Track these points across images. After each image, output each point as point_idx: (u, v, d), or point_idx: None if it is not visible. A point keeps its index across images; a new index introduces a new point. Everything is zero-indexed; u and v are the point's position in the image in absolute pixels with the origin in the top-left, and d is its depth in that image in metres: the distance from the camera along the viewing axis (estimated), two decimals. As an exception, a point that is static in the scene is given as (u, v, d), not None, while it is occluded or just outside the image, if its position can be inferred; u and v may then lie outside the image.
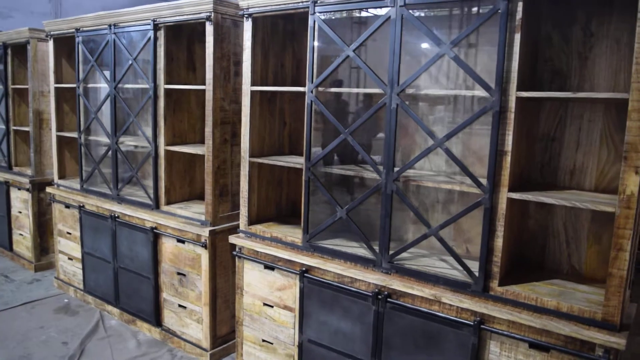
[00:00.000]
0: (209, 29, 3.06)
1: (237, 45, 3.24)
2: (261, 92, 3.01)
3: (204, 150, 3.23)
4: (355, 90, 2.67)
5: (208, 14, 3.03)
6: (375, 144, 2.95)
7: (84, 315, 3.96)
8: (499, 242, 2.22)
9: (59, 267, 4.43)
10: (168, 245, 3.46)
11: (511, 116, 2.13)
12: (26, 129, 4.89)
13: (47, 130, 4.73)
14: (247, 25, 2.90)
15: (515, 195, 2.17)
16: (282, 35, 3.14)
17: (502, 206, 2.19)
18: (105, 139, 3.94)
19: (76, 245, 4.18)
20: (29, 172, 4.79)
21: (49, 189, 4.36)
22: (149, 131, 3.52)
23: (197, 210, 3.41)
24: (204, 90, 3.56)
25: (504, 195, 2.18)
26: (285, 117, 3.24)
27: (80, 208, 4.03)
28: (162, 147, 3.44)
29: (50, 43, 4.20)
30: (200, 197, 3.75)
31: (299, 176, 3.31)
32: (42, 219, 4.81)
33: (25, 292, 4.37)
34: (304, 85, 3.19)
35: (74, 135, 4.26)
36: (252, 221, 3.08)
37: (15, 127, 4.92)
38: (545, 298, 2.13)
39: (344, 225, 2.68)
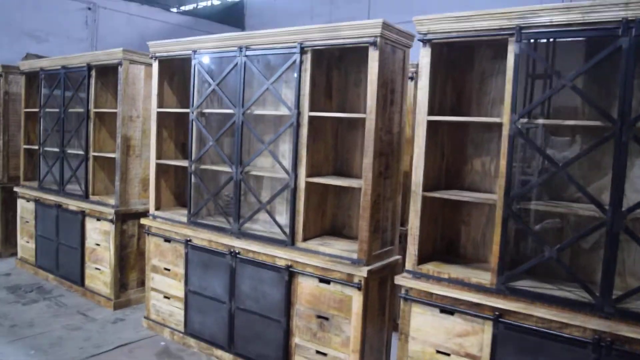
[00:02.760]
0: (374, 54, 2.94)
1: (393, 72, 3.12)
2: (429, 122, 2.87)
3: (360, 183, 3.07)
4: (570, 122, 2.54)
5: (374, 39, 2.92)
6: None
7: (190, 361, 3.68)
8: None
9: (150, 306, 4.15)
10: (306, 286, 3.24)
11: None
12: (106, 155, 4.68)
13: (133, 157, 4.52)
14: (425, 52, 2.79)
15: None
16: (444, 64, 3.02)
17: None
18: (219, 168, 3.76)
19: (176, 282, 3.93)
20: (110, 201, 4.54)
21: (144, 221, 4.12)
22: (283, 161, 3.34)
23: (340, 247, 3.22)
24: (339, 119, 3.45)
25: None
26: (444, 148, 3.10)
27: (187, 242, 3.79)
28: (302, 179, 3.26)
29: (155, 65, 4.04)
30: (330, 232, 3.57)
31: (456, 212, 3.17)
32: (123, 252, 4.54)
33: (112, 332, 4.07)
34: (465, 115, 3.08)
35: (173, 162, 4.06)
36: (419, 261, 2.90)
37: (94, 153, 4.69)
38: None
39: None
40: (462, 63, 3.09)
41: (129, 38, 9.50)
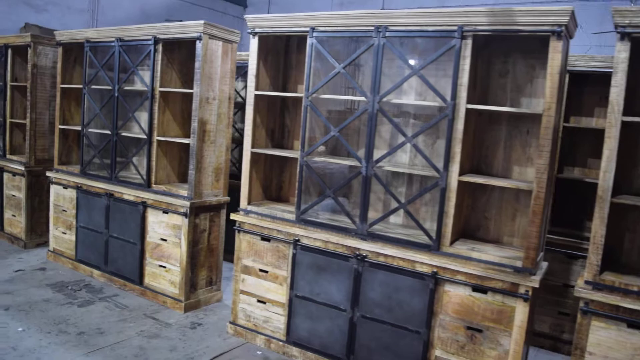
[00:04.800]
0: (556, 45, 2.69)
1: (563, 65, 2.86)
2: (623, 122, 2.64)
3: (529, 185, 2.83)
4: None
5: (559, 28, 2.65)
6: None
7: (299, 373, 3.34)
8: None
9: (237, 310, 3.76)
10: (454, 294, 2.98)
11: None
12: (170, 139, 4.20)
13: (208, 143, 4.06)
14: (623, 46, 2.57)
15: None
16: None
17: None
18: (337, 161, 3.42)
19: (276, 286, 3.56)
20: (180, 191, 4.08)
21: (235, 217, 3.70)
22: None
23: (493, 252, 2.97)
24: (478, 112, 3.17)
25: None
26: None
27: (296, 242, 3.43)
28: (454, 178, 2.98)
29: (254, 41, 3.59)
30: (463, 235, 3.30)
31: (621, 218, 2.97)
32: (194, 248, 4.09)
33: (197, 340, 3.66)
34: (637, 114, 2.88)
35: (274, 152, 3.68)
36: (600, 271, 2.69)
37: (159, 138, 4.18)
38: None
39: None
40: (635, 58, 2.88)
41: (131, 11, 8.78)
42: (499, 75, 3.23)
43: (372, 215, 3.45)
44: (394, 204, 3.47)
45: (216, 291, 4.38)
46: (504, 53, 3.19)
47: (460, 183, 3.00)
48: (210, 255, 4.27)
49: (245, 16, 3.67)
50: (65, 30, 4.90)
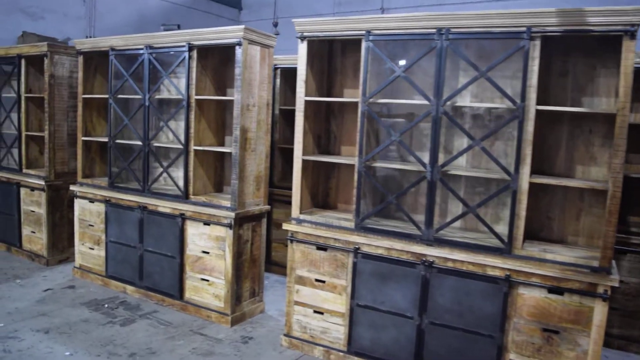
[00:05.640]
0: (629, 44, 2.72)
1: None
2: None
3: (603, 184, 2.84)
4: None
5: (630, 27, 2.68)
6: None
7: (366, 383, 3.30)
8: None
9: (292, 321, 3.69)
10: (529, 297, 2.99)
11: None
12: (206, 148, 4.10)
13: (249, 152, 3.97)
14: (701, 43, 2.59)
15: None
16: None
17: None
18: (397, 166, 3.39)
19: (335, 295, 3.51)
20: (222, 202, 3.99)
21: (287, 226, 3.63)
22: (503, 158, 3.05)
23: (566, 253, 2.98)
24: (539, 112, 3.17)
25: None
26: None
27: (356, 251, 3.38)
28: (525, 180, 2.98)
29: (303, 46, 3.54)
30: (530, 236, 3.30)
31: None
32: (239, 260, 4.00)
33: (252, 355, 3.58)
34: None
35: (315, 158, 3.62)
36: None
37: (196, 147, 4.07)
38: None
39: None
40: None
41: (127, 17, 8.59)
42: (559, 75, 3.24)
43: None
44: (454, 208, 3.48)
45: (259, 302, 4.30)
46: (563, 52, 3.21)
47: (531, 185, 3.01)
48: (253, 266, 4.18)
49: (293, 20, 3.58)
50: (63, 37, 4.79)
